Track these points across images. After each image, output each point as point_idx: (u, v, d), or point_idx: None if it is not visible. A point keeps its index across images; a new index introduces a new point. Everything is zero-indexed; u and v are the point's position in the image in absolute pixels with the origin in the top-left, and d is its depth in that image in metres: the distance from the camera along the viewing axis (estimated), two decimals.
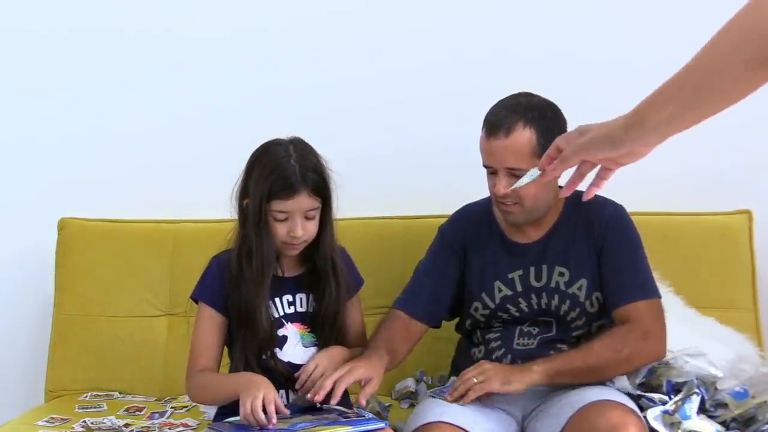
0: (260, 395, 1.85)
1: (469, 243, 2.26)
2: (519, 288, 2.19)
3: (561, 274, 2.18)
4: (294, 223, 1.97)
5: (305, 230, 1.98)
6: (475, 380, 2.01)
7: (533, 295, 2.17)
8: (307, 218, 1.99)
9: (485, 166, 2.15)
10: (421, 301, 2.23)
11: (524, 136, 2.08)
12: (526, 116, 2.10)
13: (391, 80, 2.80)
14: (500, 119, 2.11)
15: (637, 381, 2.12)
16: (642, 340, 2.08)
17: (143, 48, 2.85)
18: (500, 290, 2.20)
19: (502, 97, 2.23)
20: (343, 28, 2.82)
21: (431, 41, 2.80)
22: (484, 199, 2.31)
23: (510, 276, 2.20)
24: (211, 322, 2.04)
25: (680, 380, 2.12)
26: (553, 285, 2.18)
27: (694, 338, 2.27)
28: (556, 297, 2.17)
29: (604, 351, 2.06)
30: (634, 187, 2.50)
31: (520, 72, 2.61)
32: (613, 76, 2.71)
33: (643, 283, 2.15)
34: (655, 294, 2.15)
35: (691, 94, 1.25)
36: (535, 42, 2.76)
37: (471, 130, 2.36)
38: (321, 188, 1.99)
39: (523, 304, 2.18)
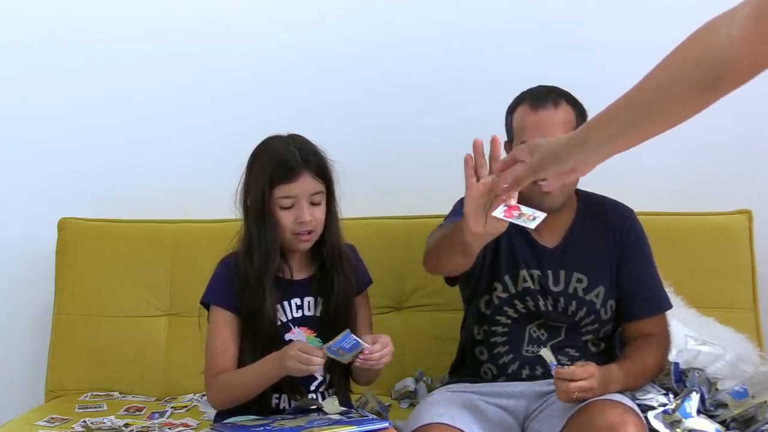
0: (294, 351, 1.87)
1: None
2: (537, 286, 2.16)
3: (579, 281, 2.16)
4: (300, 209, 1.96)
5: (313, 215, 1.97)
6: (576, 395, 1.94)
7: (550, 298, 2.15)
8: (313, 204, 1.98)
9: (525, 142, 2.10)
10: None
11: (569, 111, 2.12)
12: (565, 96, 2.14)
13: (392, 80, 2.80)
14: (544, 94, 2.13)
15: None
16: (666, 353, 2.18)
17: (143, 48, 2.84)
18: (525, 280, 2.16)
19: (502, 96, 2.22)
20: (343, 29, 2.82)
21: (432, 42, 2.79)
22: None
23: (531, 272, 2.18)
24: (224, 324, 2.01)
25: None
26: (571, 291, 2.16)
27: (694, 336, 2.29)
28: (574, 303, 2.15)
29: (652, 367, 2.13)
30: (635, 188, 2.51)
31: (522, 73, 2.60)
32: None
33: (661, 295, 2.21)
34: (669, 304, 2.22)
35: (637, 112, 1.35)
36: (537, 44, 2.76)
37: (472, 130, 2.36)
38: (323, 171, 1.99)
39: (541, 302, 2.15)
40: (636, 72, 1.39)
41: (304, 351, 1.87)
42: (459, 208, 2.08)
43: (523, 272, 2.17)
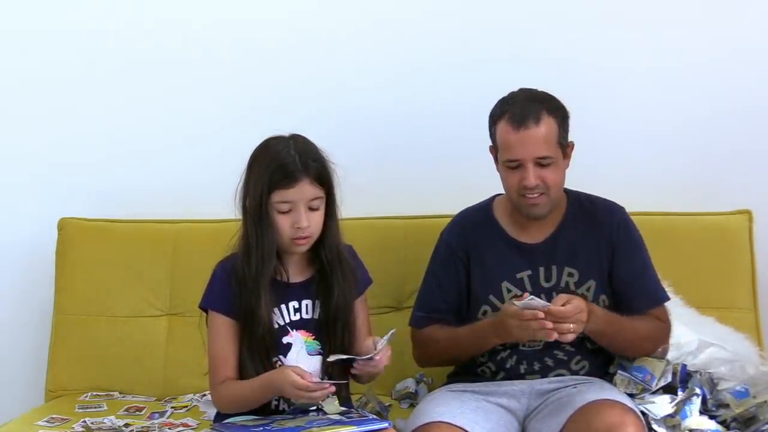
0: (290, 383, 1.87)
1: (471, 247, 2.24)
2: (529, 288, 2.17)
3: (570, 275, 2.19)
4: (298, 214, 1.95)
5: (310, 221, 1.96)
6: (572, 327, 2.00)
7: (543, 296, 2.13)
8: (312, 209, 1.97)
9: (511, 160, 2.12)
10: (442, 313, 2.23)
11: (550, 123, 2.12)
12: (545, 105, 2.14)
13: (392, 81, 2.80)
14: (525, 110, 2.12)
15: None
16: (665, 337, 2.22)
17: (144, 48, 2.84)
18: (509, 290, 2.18)
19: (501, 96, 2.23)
20: (345, 28, 2.81)
21: (433, 42, 2.79)
22: (481, 202, 2.32)
23: (518, 276, 2.19)
24: (224, 329, 2.01)
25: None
26: (563, 285, 2.18)
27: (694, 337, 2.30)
28: None
29: (645, 336, 2.18)
30: (634, 187, 2.52)
31: (521, 72, 2.61)
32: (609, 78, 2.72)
33: (659, 288, 2.24)
34: (667, 296, 2.25)
35: None
36: (536, 42, 2.76)
37: (471, 131, 2.36)
38: (323, 177, 1.98)
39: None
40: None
41: (301, 377, 1.88)
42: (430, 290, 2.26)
43: (505, 284, 2.19)
